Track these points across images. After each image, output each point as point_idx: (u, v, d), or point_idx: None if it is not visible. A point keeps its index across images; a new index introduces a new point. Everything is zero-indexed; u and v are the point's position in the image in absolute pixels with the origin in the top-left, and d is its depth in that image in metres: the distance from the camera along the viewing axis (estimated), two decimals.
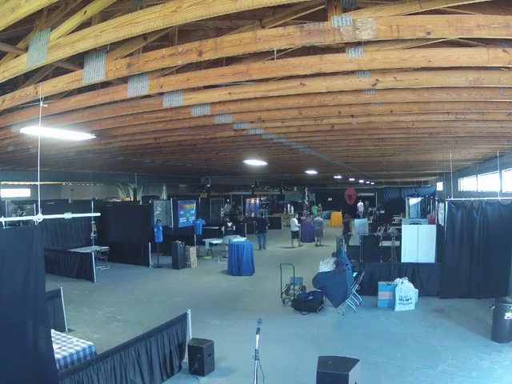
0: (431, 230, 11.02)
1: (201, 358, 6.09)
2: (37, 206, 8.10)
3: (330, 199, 36.75)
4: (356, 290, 9.37)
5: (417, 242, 10.66)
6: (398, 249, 11.43)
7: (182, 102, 5.00)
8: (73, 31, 3.35)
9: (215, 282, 12.37)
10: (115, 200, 22.31)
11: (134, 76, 4.23)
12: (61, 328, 7.20)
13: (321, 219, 22.00)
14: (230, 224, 18.32)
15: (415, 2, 2.98)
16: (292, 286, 10.04)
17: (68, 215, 8.00)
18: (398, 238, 13.21)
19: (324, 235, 20.62)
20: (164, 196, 25.06)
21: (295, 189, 40.46)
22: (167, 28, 3.26)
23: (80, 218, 15.00)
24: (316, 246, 19.63)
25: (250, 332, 6.42)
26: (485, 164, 14.32)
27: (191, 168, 17.37)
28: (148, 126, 6.87)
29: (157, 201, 19.81)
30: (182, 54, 3.52)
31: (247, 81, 4.46)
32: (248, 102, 5.44)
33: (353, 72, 4.23)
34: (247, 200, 27.68)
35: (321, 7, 3.30)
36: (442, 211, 11.27)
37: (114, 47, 3.78)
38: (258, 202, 28.76)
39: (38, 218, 4.12)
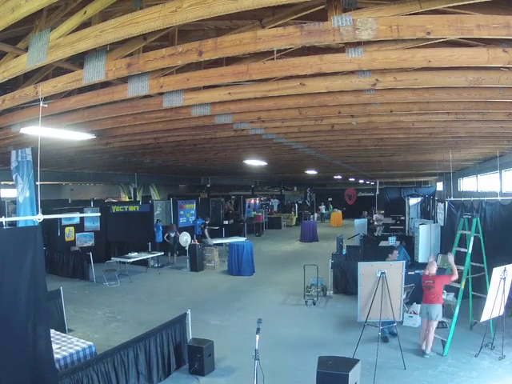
0: (436, 229, 11.02)
1: (201, 357, 6.09)
2: (37, 206, 8.10)
3: (330, 199, 36.73)
4: None
5: (429, 242, 10.67)
6: None
7: (182, 102, 5.00)
8: (73, 31, 3.35)
9: (215, 282, 12.37)
10: (111, 200, 22.20)
11: (133, 76, 4.22)
12: (61, 328, 7.20)
13: None
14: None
15: (415, 2, 2.98)
16: (314, 287, 10.04)
17: (71, 215, 7.99)
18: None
19: (324, 235, 20.61)
20: (155, 197, 24.64)
21: (295, 189, 40.45)
22: (167, 28, 3.26)
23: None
24: None
25: (250, 332, 6.41)
26: (485, 164, 14.33)
27: (191, 168, 17.37)
28: (148, 126, 6.87)
29: (157, 201, 19.78)
30: (181, 54, 3.52)
31: (247, 81, 4.46)
32: (248, 102, 5.44)
33: (353, 72, 4.23)
34: (247, 200, 27.68)
35: (321, 7, 3.29)
36: (441, 211, 11.28)
37: (114, 47, 3.78)
38: (257, 201, 28.77)
39: (39, 218, 4.12)
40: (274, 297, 10.45)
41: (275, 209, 32.19)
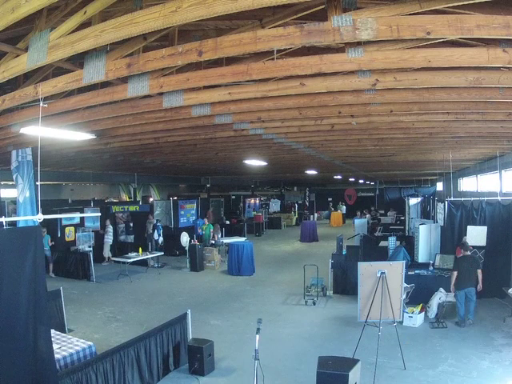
0: (436, 229, 10.99)
1: (201, 357, 6.09)
2: (37, 206, 8.11)
3: (330, 199, 36.75)
4: None
5: (429, 242, 10.65)
6: None
7: (182, 102, 5.00)
8: (73, 31, 3.35)
9: (215, 282, 12.37)
10: (111, 200, 22.21)
11: (133, 76, 4.22)
12: (61, 328, 7.20)
13: None
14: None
15: (415, 2, 2.98)
16: (314, 287, 10.04)
17: (71, 215, 8.00)
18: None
19: (324, 235, 20.60)
20: (156, 197, 24.65)
21: (295, 189, 40.42)
22: (167, 28, 3.25)
23: None
24: None
25: (249, 332, 6.43)
26: (485, 164, 14.32)
27: (191, 168, 17.37)
28: (148, 126, 6.87)
29: (157, 201, 19.79)
30: (181, 53, 3.52)
31: (247, 81, 4.46)
32: (248, 102, 5.43)
33: (353, 72, 4.23)
34: (247, 200, 27.68)
35: (321, 7, 3.29)
36: (441, 211, 11.27)
37: (114, 47, 3.78)
38: (257, 201, 28.78)
39: (39, 217, 4.12)
40: (274, 297, 10.45)
41: (275, 209, 32.16)
